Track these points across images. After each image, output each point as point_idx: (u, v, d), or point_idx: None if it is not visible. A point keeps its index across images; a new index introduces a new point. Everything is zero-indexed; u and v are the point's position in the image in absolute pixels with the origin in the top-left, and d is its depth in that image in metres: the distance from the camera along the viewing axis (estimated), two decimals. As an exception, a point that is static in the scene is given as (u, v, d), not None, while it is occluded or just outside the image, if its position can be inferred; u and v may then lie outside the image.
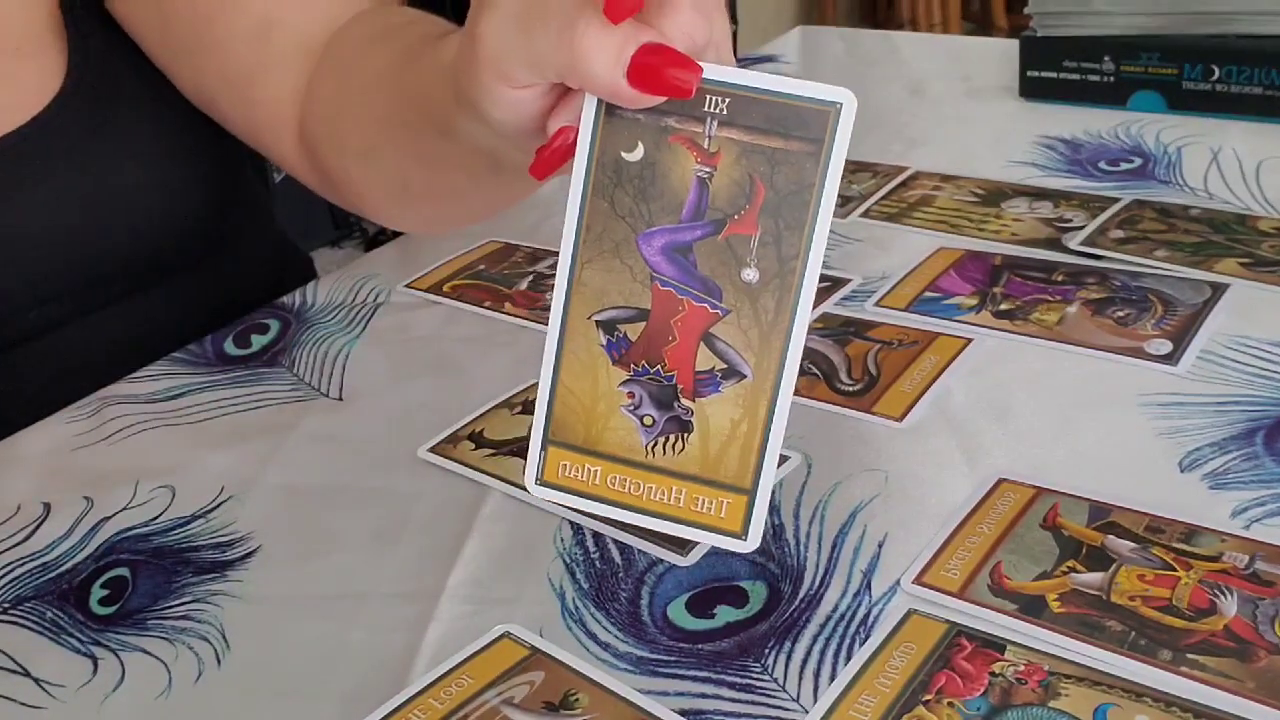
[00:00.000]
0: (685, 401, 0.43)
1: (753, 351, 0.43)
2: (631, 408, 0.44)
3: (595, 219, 0.44)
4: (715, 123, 0.41)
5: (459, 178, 0.60)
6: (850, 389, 0.65)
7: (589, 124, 0.42)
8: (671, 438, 0.44)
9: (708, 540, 0.43)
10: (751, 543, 0.43)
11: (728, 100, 0.41)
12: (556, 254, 0.43)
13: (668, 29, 0.39)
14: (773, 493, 0.58)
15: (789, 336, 0.42)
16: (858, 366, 0.67)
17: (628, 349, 0.44)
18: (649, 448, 0.44)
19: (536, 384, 0.50)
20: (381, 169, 0.65)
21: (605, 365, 0.44)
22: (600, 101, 0.41)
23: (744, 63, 1.28)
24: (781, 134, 0.40)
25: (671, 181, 0.42)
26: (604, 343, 0.45)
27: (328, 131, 0.69)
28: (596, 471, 0.45)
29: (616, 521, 0.47)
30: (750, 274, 0.42)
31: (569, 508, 0.46)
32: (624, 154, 0.43)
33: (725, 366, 0.43)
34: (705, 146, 0.41)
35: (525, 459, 0.46)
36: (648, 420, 0.44)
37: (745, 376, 0.43)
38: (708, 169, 0.41)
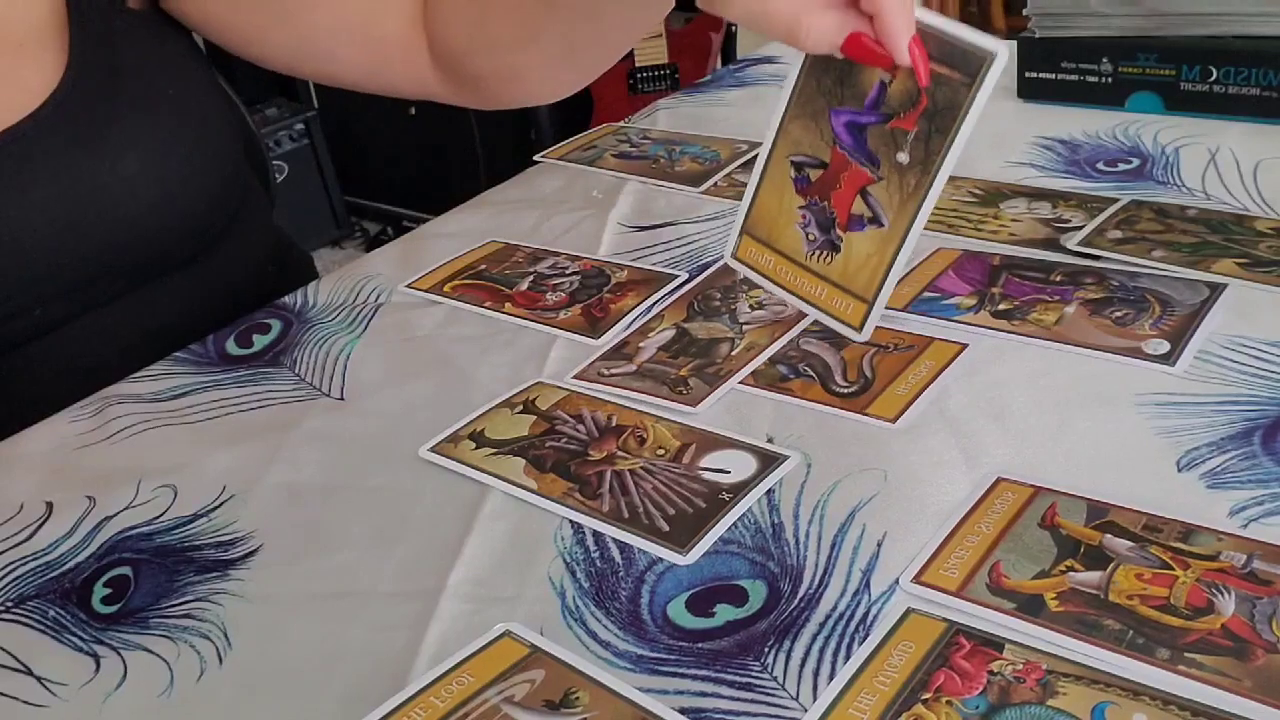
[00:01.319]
0: (839, 232, 0.58)
1: (892, 210, 0.56)
2: (802, 225, 0.59)
3: (806, 89, 0.59)
4: None
5: (621, 8, 0.69)
6: (845, 391, 0.66)
7: None
8: (824, 253, 0.59)
9: (834, 326, 0.58)
10: (864, 335, 0.57)
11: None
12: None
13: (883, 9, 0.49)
14: (772, 491, 0.58)
15: (919, 207, 0.54)
16: (853, 369, 0.67)
17: (808, 186, 0.59)
18: (808, 255, 0.59)
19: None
20: (543, 45, 0.74)
21: (790, 192, 0.60)
22: None
23: (744, 63, 1.28)
24: (948, 64, 0.52)
25: (862, 79, 0.55)
26: (793, 177, 0.60)
27: (472, 36, 0.75)
28: (771, 260, 0.61)
29: (781, 296, 0.61)
30: (903, 156, 0.55)
31: (749, 280, 0.63)
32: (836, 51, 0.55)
33: (871, 215, 0.57)
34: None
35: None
36: (811, 236, 0.59)
37: (883, 226, 0.56)
38: (888, 77, 0.54)
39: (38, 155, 0.74)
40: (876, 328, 0.71)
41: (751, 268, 0.63)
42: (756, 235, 0.62)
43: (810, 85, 0.59)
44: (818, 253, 0.59)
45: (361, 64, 0.82)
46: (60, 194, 0.75)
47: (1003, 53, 0.50)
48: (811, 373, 0.68)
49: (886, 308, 0.73)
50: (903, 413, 0.63)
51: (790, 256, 0.61)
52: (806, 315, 0.74)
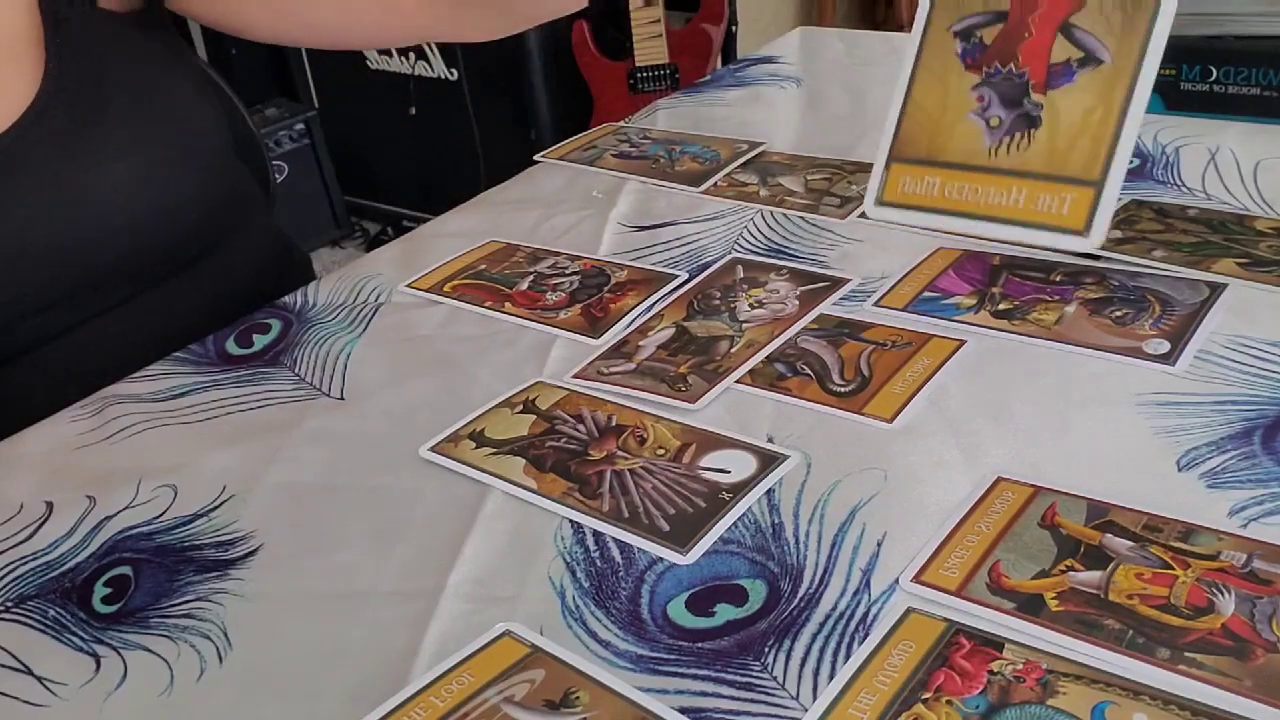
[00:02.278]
0: (1036, 96, 0.45)
1: (1114, 35, 0.42)
2: (980, 111, 0.47)
3: None
4: None
5: None
6: (842, 390, 0.66)
7: None
8: (1017, 135, 0.46)
9: (1045, 241, 0.45)
10: (1094, 238, 0.44)
11: None
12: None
13: None
14: (771, 491, 0.58)
15: (1155, 13, 0.41)
16: (850, 367, 0.67)
17: (982, 53, 0.46)
18: (992, 150, 0.46)
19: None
20: None
21: (958, 72, 0.47)
22: None
23: (744, 63, 1.28)
24: None
25: None
26: (959, 51, 0.47)
27: None
28: (935, 183, 0.49)
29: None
30: None
31: (905, 225, 0.47)
32: None
33: (1082, 54, 0.43)
34: None
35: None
36: (994, 121, 0.46)
37: (1103, 62, 0.43)
38: None
39: (22, 168, 0.73)
40: (876, 326, 0.71)
41: (908, 205, 0.51)
42: (910, 157, 0.50)
43: None
44: (1007, 140, 0.47)
45: (342, 17, 0.83)
46: (50, 206, 0.74)
47: None
48: (809, 371, 0.68)
49: (886, 306, 0.74)
50: (899, 412, 0.63)
51: (965, 164, 0.48)
52: (807, 315, 0.73)
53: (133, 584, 0.58)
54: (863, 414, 0.63)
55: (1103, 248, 0.76)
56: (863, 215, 0.57)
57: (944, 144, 0.48)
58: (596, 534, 0.57)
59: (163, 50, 0.83)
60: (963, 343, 0.68)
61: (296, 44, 0.88)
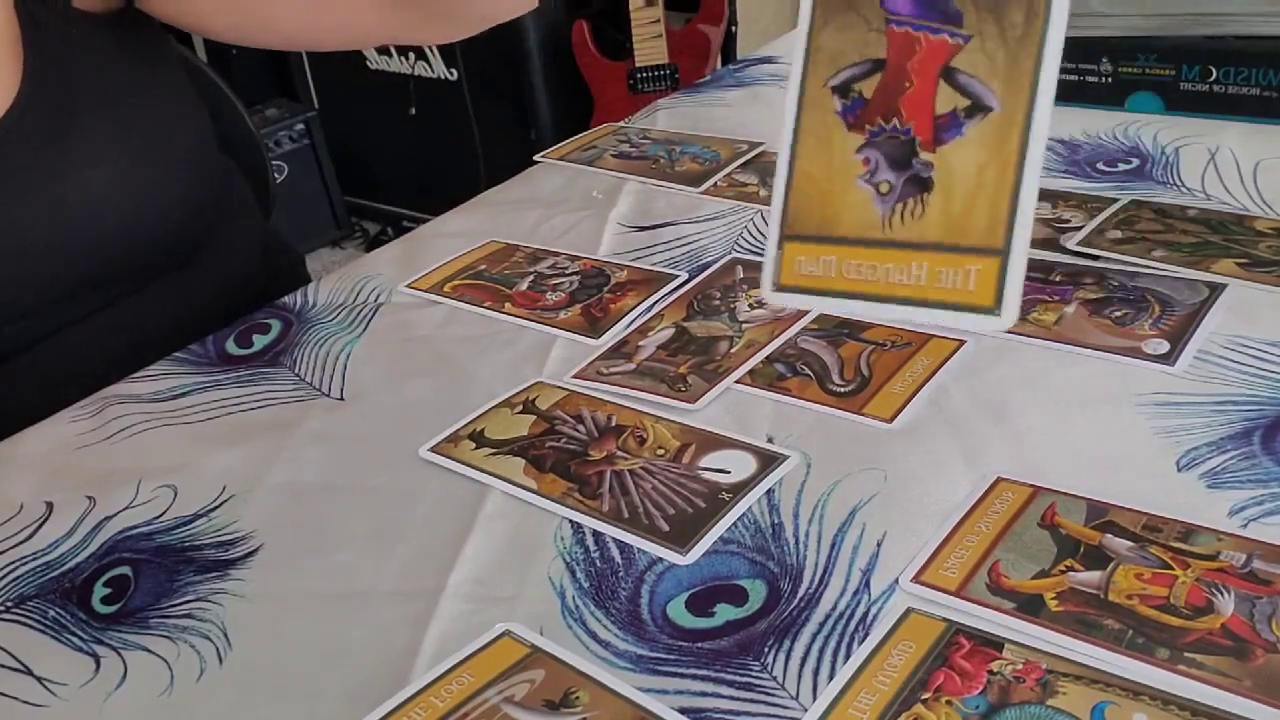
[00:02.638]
0: (925, 155, 0.39)
1: (999, 78, 0.37)
2: (868, 176, 0.41)
3: None
4: None
5: None
6: (842, 390, 0.66)
7: None
8: (910, 202, 0.40)
9: (956, 323, 0.39)
10: (1007, 317, 0.37)
11: None
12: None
13: None
14: (771, 491, 0.58)
15: (1041, 50, 0.36)
16: (850, 367, 0.67)
17: (863, 109, 0.41)
18: (886, 220, 0.40)
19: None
20: None
21: (840, 132, 0.41)
22: None
23: (744, 63, 1.28)
24: None
25: None
26: (839, 109, 0.41)
27: None
28: (832, 261, 0.42)
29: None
30: None
31: (807, 309, 0.41)
32: None
33: (968, 103, 0.38)
34: None
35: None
36: (883, 187, 0.40)
37: (991, 109, 0.38)
38: None
39: (1, 172, 0.73)
40: (876, 326, 0.71)
41: (807, 289, 0.43)
42: (803, 234, 0.43)
43: None
44: (899, 209, 0.40)
45: (301, 18, 0.82)
46: (29, 212, 0.74)
47: None
48: (809, 371, 0.68)
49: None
50: (899, 413, 0.63)
51: (860, 238, 0.41)
52: (806, 315, 0.73)
53: (132, 584, 0.58)
54: (862, 414, 0.63)
55: (1103, 248, 0.77)
56: (758, 303, 0.52)
57: (835, 216, 0.41)
58: (596, 534, 0.57)
59: (141, 51, 0.81)
60: (962, 343, 0.68)
61: (255, 44, 0.88)
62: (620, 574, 0.55)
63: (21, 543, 0.62)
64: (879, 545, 0.54)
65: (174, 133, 0.81)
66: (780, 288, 0.43)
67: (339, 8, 0.82)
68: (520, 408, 0.68)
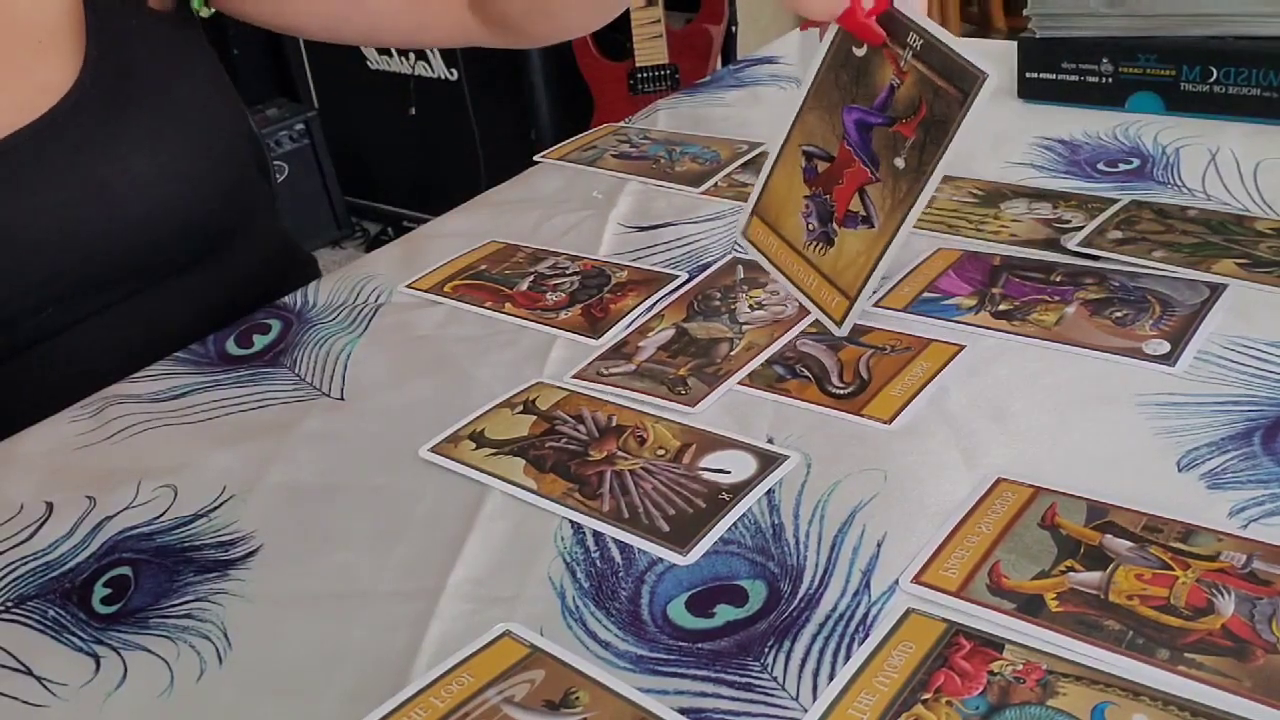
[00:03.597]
0: (835, 226, 0.62)
1: (884, 213, 0.59)
2: (805, 214, 0.64)
3: (825, 84, 0.63)
4: (910, 53, 0.58)
5: None
6: (840, 392, 0.66)
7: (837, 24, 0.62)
8: (820, 245, 0.64)
9: (819, 317, 0.64)
10: (844, 330, 0.62)
11: (921, 42, 0.58)
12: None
13: None
14: (772, 492, 0.58)
15: (907, 212, 0.58)
16: (849, 370, 0.67)
17: (815, 177, 0.64)
18: (807, 244, 0.64)
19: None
20: None
21: (799, 180, 0.65)
22: None
23: (744, 63, 1.28)
24: (946, 78, 0.57)
25: (875, 79, 0.60)
26: (803, 166, 0.64)
27: None
28: (775, 244, 0.67)
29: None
30: (899, 161, 0.58)
31: (752, 267, 0.70)
32: (854, 49, 0.61)
33: (865, 214, 0.61)
34: (901, 66, 0.58)
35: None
36: (811, 226, 0.64)
37: (873, 227, 0.60)
38: (898, 81, 0.59)
39: (49, 155, 0.74)
40: (875, 329, 0.72)
41: (757, 248, 0.68)
42: (765, 218, 0.67)
43: (830, 79, 0.63)
44: (815, 243, 0.64)
45: (403, 17, 0.87)
46: (70, 195, 0.75)
47: (994, 77, 0.55)
48: (808, 374, 0.68)
49: (887, 307, 0.74)
50: (897, 415, 0.63)
51: (791, 243, 0.65)
52: (807, 316, 0.74)
53: (132, 584, 0.58)
54: (861, 415, 0.63)
55: (1103, 248, 0.77)
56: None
57: (784, 222, 0.65)
58: (596, 534, 0.57)
59: (188, 48, 0.84)
60: (962, 348, 0.68)
61: (343, 41, 0.94)
62: (620, 574, 0.55)
63: (22, 543, 0.62)
64: (879, 546, 0.54)
65: (214, 127, 0.83)
66: (745, 236, 0.69)
67: (438, 11, 0.87)
68: (520, 408, 0.68)
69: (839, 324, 0.63)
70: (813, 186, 0.64)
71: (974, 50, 0.56)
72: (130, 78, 0.78)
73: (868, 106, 0.60)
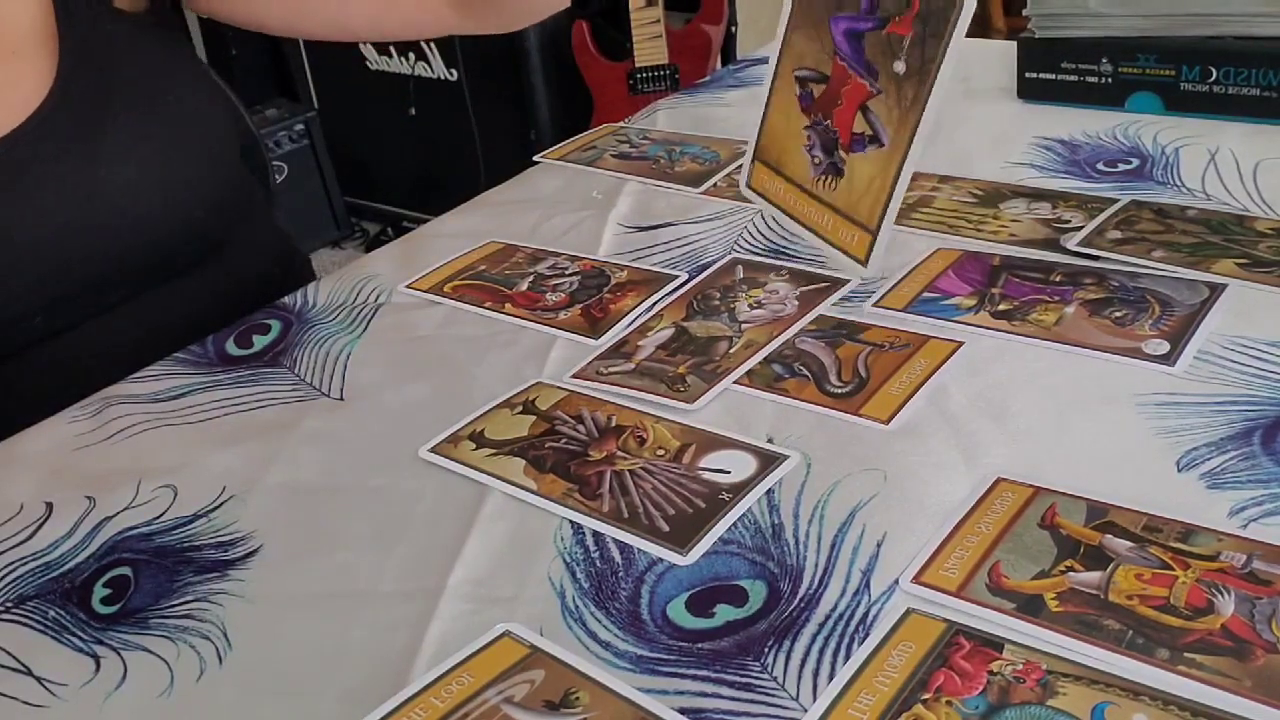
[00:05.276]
0: (842, 153, 0.58)
1: (892, 126, 0.54)
2: (808, 147, 0.60)
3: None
4: None
5: None
6: (839, 391, 0.66)
7: None
8: (829, 178, 0.58)
9: (842, 261, 0.58)
10: (871, 269, 0.57)
11: None
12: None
13: None
14: (771, 492, 0.58)
15: (919, 119, 0.53)
16: (848, 368, 0.67)
17: (811, 103, 0.60)
18: (815, 181, 0.59)
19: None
20: None
21: (796, 111, 0.60)
22: None
23: (744, 63, 1.28)
24: None
25: None
26: (798, 94, 0.60)
27: None
28: (781, 188, 0.62)
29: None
30: (899, 65, 0.53)
31: (765, 212, 0.61)
32: None
33: (872, 133, 0.56)
34: None
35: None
36: (816, 159, 0.59)
37: (883, 145, 0.55)
38: None
39: (32, 164, 0.74)
40: (874, 327, 0.71)
41: (764, 196, 0.64)
42: (767, 160, 0.63)
43: None
44: (823, 178, 0.59)
45: (368, 4, 0.86)
46: (57, 202, 0.75)
47: None
48: (806, 372, 0.68)
49: (886, 307, 0.74)
50: (896, 414, 0.63)
51: (798, 183, 0.61)
52: (807, 315, 0.74)
53: (132, 584, 0.58)
54: (859, 415, 0.63)
55: (1103, 248, 0.77)
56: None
57: (787, 161, 0.61)
58: (596, 534, 0.57)
59: (169, 50, 0.83)
60: (960, 344, 0.68)
61: (311, 37, 0.94)
62: (620, 574, 0.55)
63: (21, 543, 0.62)
64: (879, 546, 0.54)
65: (200, 133, 0.82)
66: (750, 187, 0.64)
67: (404, 6, 0.87)
68: (520, 408, 0.68)
69: (864, 262, 0.58)
70: (811, 114, 0.59)
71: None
72: (108, 84, 0.77)
73: (855, 12, 0.55)
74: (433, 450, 0.65)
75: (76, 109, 0.75)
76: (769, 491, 0.58)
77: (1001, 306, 0.71)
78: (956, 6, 0.51)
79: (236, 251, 0.88)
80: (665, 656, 0.50)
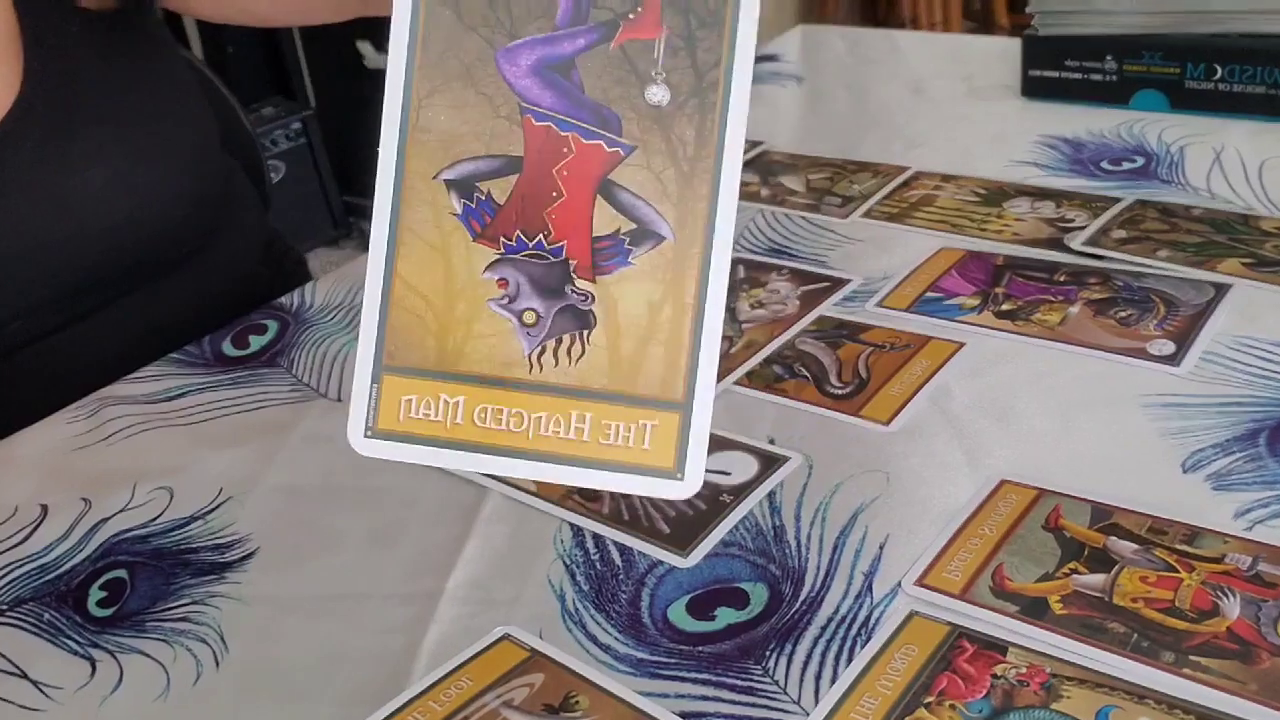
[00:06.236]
0: (583, 283, 0.32)
1: (671, 201, 0.32)
2: (505, 301, 0.33)
3: (434, 35, 0.32)
4: None
5: None
6: (839, 392, 0.65)
7: None
8: (565, 339, 0.33)
9: (625, 488, 0.32)
10: (690, 484, 0.32)
11: None
12: None
13: None
14: (773, 493, 0.58)
15: (718, 175, 0.31)
16: (848, 369, 0.67)
17: (494, 215, 0.33)
18: (533, 357, 0.33)
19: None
20: None
21: (463, 243, 0.32)
22: None
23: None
24: None
25: None
26: (459, 210, 0.33)
27: None
28: (458, 404, 0.33)
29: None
30: (658, 93, 0.32)
31: (416, 464, 0.32)
32: None
33: (635, 226, 0.32)
34: None
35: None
36: (529, 317, 0.33)
37: (664, 238, 0.32)
38: None
39: (3, 171, 0.72)
40: (875, 327, 0.71)
41: (419, 438, 0.35)
42: (412, 366, 0.34)
43: (442, 21, 0.32)
44: (551, 346, 0.33)
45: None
46: (28, 210, 0.73)
47: None
48: (806, 373, 0.67)
49: (889, 308, 0.73)
50: (896, 415, 0.62)
51: (496, 377, 0.34)
52: (807, 314, 0.73)
53: (128, 587, 0.58)
54: (859, 417, 0.63)
55: (1107, 248, 0.76)
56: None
57: (460, 347, 0.33)
58: (596, 537, 0.57)
59: (142, 48, 0.81)
60: (961, 345, 0.68)
61: (236, 23, 0.93)
62: (621, 577, 0.54)
63: (17, 545, 0.62)
64: (881, 548, 0.54)
65: (176, 130, 0.81)
66: (376, 433, 0.35)
67: None
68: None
69: (677, 471, 0.33)
70: (498, 237, 0.33)
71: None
72: (77, 87, 0.75)
73: (545, 31, 0.32)
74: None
75: (44, 116, 0.73)
76: (770, 493, 0.58)
77: (1005, 306, 0.71)
78: None
79: (223, 252, 0.87)
80: (666, 660, 0.49)
